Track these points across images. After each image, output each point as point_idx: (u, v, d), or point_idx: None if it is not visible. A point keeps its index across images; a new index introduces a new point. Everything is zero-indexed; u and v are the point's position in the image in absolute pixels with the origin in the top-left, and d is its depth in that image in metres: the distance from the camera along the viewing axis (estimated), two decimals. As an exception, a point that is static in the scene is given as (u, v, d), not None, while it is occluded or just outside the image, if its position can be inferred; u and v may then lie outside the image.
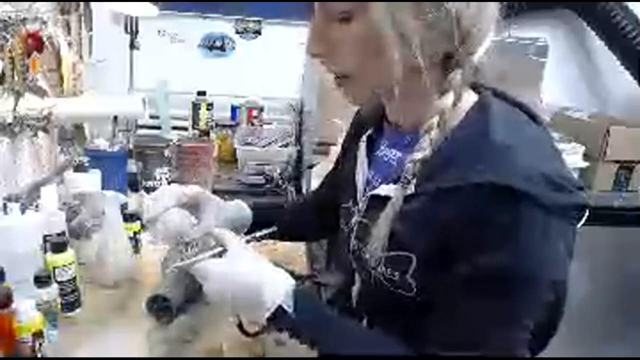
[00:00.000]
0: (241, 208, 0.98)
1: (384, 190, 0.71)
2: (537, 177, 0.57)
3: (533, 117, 0.69)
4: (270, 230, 0.86)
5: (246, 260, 0.71)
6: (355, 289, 0.82)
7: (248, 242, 0.82)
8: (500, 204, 0.57)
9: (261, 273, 0.69)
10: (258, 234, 0.85)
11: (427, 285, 0.65)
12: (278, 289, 0.67)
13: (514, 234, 0.57)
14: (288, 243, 1.25)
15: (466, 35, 0.62)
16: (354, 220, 0.78)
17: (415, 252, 0.65)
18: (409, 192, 0.66)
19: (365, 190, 0.78)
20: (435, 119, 0.65)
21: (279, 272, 0.71)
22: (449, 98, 0.66)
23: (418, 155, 0.65)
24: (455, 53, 0.63)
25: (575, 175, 1.95)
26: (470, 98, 0.68)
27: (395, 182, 0.68)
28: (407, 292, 0.67)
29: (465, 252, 0.60)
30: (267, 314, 0.67)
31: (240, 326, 0.83)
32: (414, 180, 0.65)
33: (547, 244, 0.59)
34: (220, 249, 0.74)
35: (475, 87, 0.71)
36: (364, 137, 0.82)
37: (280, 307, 0.66)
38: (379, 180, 0.75)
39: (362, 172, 0.80)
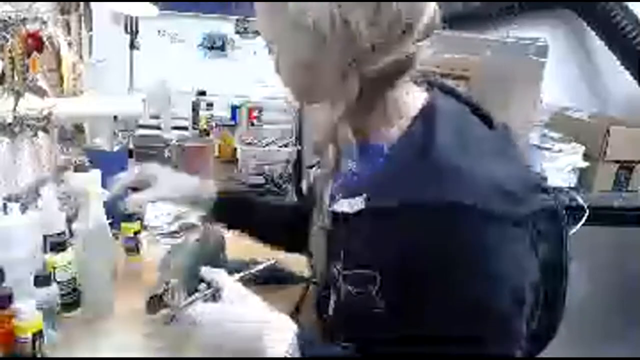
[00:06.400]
0: (205, 189, 0.96)
1: (341, 205, 0.68)
2: (486, 189, 0.56)
3: (483, 116, 0.67)
4: (268, 263, 0.80)
5: (243, 304, 0.64)
6: (331, 304, 0.77)
7: (243, 278, 0.74)
8: (452, 222, 0.55)
9: (261, 320, 0.63)
10: (255, 269, 0.78)
11: (396, 303, 0.62)
12: (280, 340, 0.61)
13: (474, 251, 0.56)
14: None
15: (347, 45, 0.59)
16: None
17: (376, 270, 0.62)
18: (360, 207, 0.63)
19: (329, 204, 0.75)
20: (351, 137, 0.63)
21: (280, 318, 0.64)
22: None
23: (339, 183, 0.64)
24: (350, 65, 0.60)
25: (575, 175, 1.95)
26: (417, 101, 0.65)
27: (352, 197, 0.65)
28: (376, 309, 0.64)
29: (427, 272, 0.57)
30: None
31: None
32: (363, 196, 0.63)
33: (510, 254, 0.57)
34: (212, 290, 0.66)
35: (427, 84, 0.68)
36: None
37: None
38: (341, 194, 0.71)
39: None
